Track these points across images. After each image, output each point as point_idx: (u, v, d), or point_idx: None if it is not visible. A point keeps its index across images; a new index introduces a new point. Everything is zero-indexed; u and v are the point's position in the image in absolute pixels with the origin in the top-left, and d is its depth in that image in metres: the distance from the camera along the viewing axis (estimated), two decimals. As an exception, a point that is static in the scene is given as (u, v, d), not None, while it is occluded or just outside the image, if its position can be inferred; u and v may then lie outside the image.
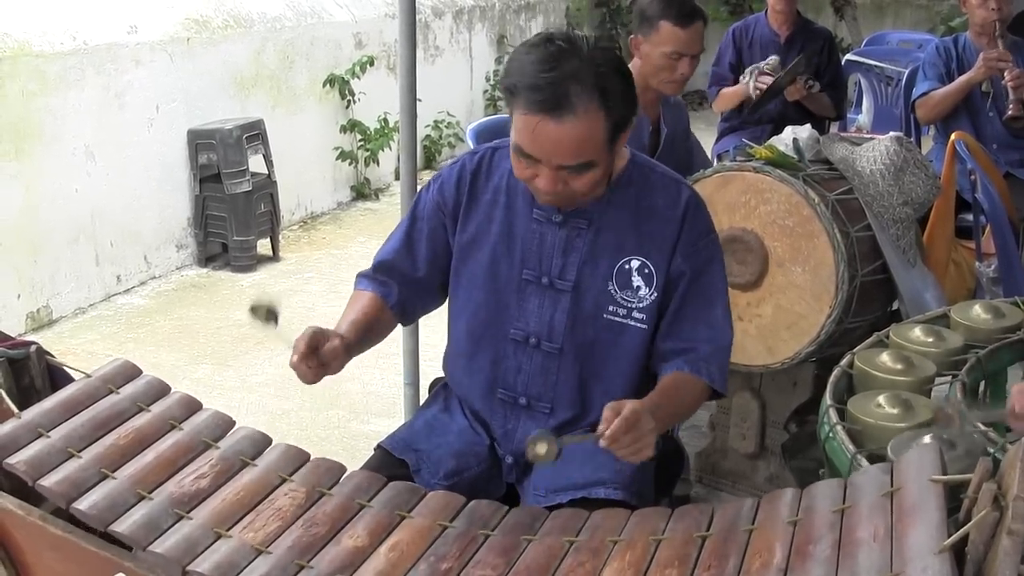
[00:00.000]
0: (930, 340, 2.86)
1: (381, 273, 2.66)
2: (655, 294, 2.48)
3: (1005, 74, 5.03)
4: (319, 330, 2.32)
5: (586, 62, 2.25)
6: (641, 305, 2.49)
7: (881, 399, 2.50)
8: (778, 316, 3.60)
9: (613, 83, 2.28)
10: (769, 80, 5.56)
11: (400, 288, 2.64)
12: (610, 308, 2.50)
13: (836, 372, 2.75)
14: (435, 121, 9.46)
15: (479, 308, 2.58)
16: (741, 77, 5.79)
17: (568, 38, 2.30)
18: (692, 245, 2.49)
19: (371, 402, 4.95)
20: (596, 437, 2.14)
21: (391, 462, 2.50)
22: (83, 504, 2.05)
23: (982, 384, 2.83)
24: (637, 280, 2.48)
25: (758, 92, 5.59)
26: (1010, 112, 5.00)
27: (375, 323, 2.59)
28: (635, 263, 2.48)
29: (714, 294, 2.54)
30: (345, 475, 2.29)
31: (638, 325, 2.50)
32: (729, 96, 5.85)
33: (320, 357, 2.30)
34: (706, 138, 6.00)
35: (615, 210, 2.50)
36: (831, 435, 2.48)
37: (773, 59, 5.71)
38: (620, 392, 2.51)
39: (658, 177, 2.55)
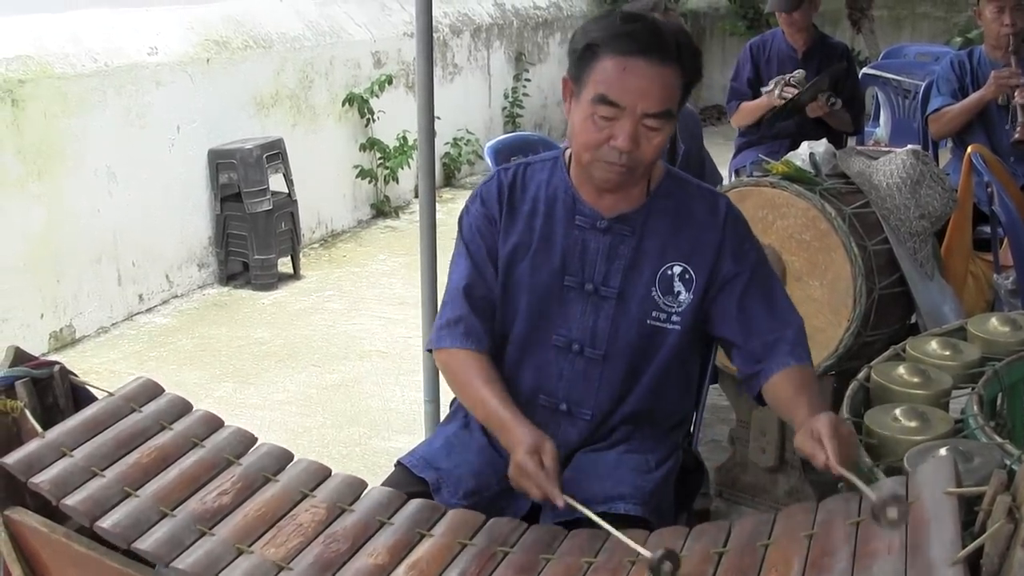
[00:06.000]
0: (947, 353, 2.86)
1: (467, 302, 2.59)
2: (692, 297, 2.52)
3: (1016, 93, 5.02)
4: (534, 457, 2.28)
5: (662, 26, 2.41)
6: (680, 309, 2.53)
7: (898, 412, 2.51)
8: (796, 330, 3.60)
9: (686, 45, 2.42)
10: (794, 91, 5.57)
11: (485, 325, 2.60)
12: (653, 314, 2.53)
13: (853, 386, 2.76)
14: (454, 139, 9.50)
15: (523, 316, 2.60)
16: (763, 88, 5.79)
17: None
18: (739, 247, 2.54)
19: (392, 419, 4.96)
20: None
21: (411, 480, 2.50)
22: (106, 522, 2.07)
23: (999, 397, 2.83)
24: (678, 285, 2.52)
25: (781, 102, 5.59)
26: (1017, 135, 4.97)
27: (504, 384, 2.54)
28: (677, 269, 2.52)
29: (774, 285, 2.59)
30: (366, 492, 2.31)
31: (675, 328, 2.54)
32: (750, 110, 5.86)
33: (553, 472, 2.27)
34: (723, 153, 6.04)
35: (656, 218, 2.54)
36: (848, 449, 2.49)
37: (800, 73, 5.72)
38: (655, 393, 2.58)
39: (695, 188, 2.62)
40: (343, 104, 8.02)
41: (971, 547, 1.61)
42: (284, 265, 7.11)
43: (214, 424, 2.43)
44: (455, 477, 2.51)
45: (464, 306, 2.60)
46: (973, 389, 2.67)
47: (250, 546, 2.08)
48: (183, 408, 2.44)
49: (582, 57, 2.41)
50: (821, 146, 3.88)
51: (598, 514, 2.32)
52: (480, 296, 2.61)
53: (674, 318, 2.53)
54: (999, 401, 2.84)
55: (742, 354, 2.55)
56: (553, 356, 2.58)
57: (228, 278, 6.99)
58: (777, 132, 5.83)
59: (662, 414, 2.63)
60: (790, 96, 5.59)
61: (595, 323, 2.54)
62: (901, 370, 2.74)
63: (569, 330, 2.56)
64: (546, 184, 2.60)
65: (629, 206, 2.54)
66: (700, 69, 2.46)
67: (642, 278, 2.52)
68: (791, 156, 3.85)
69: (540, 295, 2.57)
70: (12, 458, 2.18)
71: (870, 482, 2.02)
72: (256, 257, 6.84)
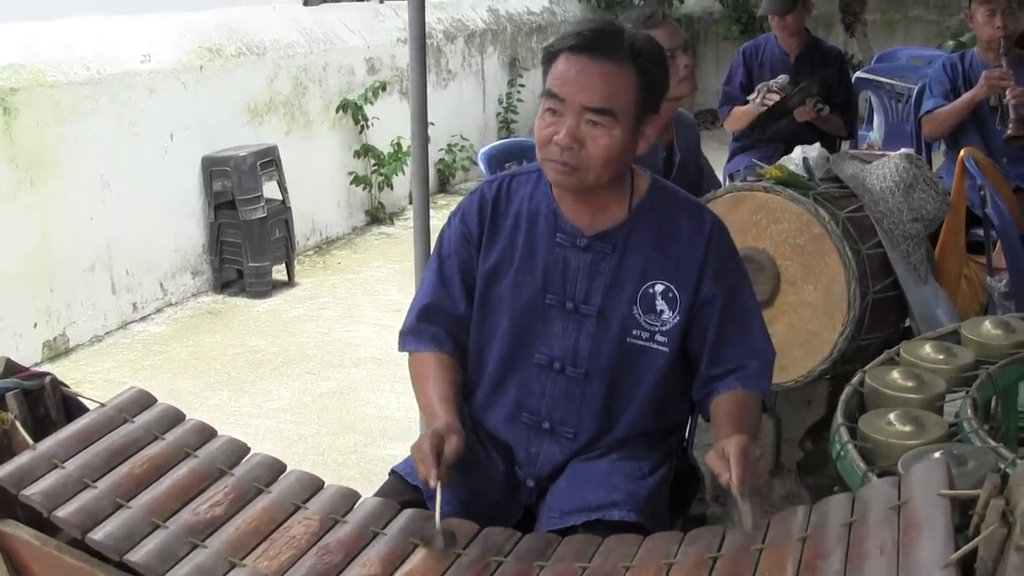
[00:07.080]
0: (940, 357, 2.85)
1: (425, 321, 2.66)
2: (677, 317, 2.50)
3: (1007, 92, 5.02)
4: (435, 439, 2.31)
5: (623, 31, 2.43)
6: (664, 328, 2.50)
7: (892, 416, 2.50)
8: (791, 334, 3.60)
9: (647, 49, 2.42)
10: (776, 98, 5.59)
11: (449, 332, 2.64)
12: (634, 332, 2.51)
13: (847, 390, 2.75)
14: (448, 145, 9.50)
15: (505, 334, 2.59)
16: (750, 97, 5.81)
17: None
18: (721, 268, 2.52)
19: (387, 427, 4.96)
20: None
21: (405, 488, 2.50)
22: (98, 534, 2.06)
23: (993, 400, 2.82)
24: (661, 304, 2.50)
25: (764, 108, 5.61)
26: (1009, 131, 4.98)
27: (455, 383, 2.60)
28: (659, 287, 2.49)
29: (750, 314, 2.56)
30: (359, 502, 2.30)
31: (660, 348, 2.51)
32: (740, 116, 5.88)
33: (446, 462, 2.29)
34: (718, 157, 6.04)
35: (639, 235, 2.52)
36: (842, 453, 2.49)
37: (783, 78, 5.74)
38: (642, 413, 2.55)
39: (680, 201, 2.58)
40: (337, 111, 8.02)
41: (963, 550, 1.61)
42: (278, 272, 7.11)
43: (207, 434, 2.42)
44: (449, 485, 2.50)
45: (422, 319, 2.66)
46: (967, 393, 2.66)
47: (243, 559, 2.07)
48: (175, 418, 2.43)
49: (545, 63, 2.45)
50: (815, 150, 3.88)
51: (592, 521, 2.33)
52: (442, 314, 2.65)
53: (658, 337, 2.51)
54: (993, 404, 2.84)
55: (701, 379, 2.56)
56: (535, 374, 2.57)
57: (222, 286, 6.99)
58: (771, 136, 5.84)
59: (655, 430, 2.62)
60: (772, 103, 5.60)
61: (576, 341, 2.53)
62: (895, 374, 2.73)
63: (551, 348, 2.55)
64: (529, 198, 2.59)
65: (610, 223, 2.52)
66: (662, 76, 2.46)
67: (623, 296, 2.51)
68: (785, 160, 3.85)
69: (522, 312, 2.56)
70: (3, 471, 2.17)
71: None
72: (250, 264, 6.83)
